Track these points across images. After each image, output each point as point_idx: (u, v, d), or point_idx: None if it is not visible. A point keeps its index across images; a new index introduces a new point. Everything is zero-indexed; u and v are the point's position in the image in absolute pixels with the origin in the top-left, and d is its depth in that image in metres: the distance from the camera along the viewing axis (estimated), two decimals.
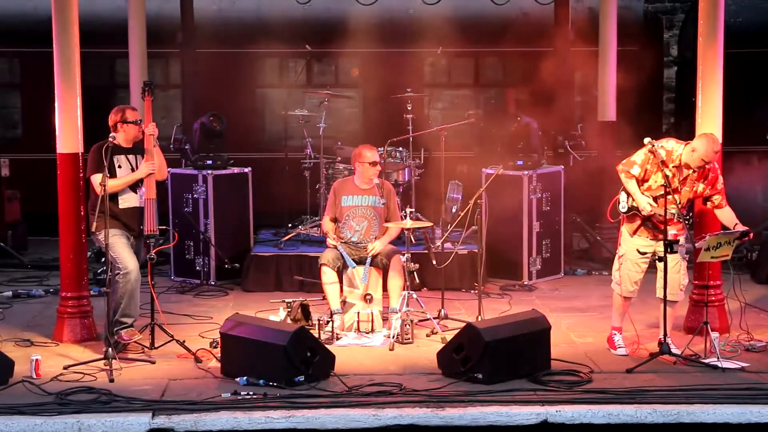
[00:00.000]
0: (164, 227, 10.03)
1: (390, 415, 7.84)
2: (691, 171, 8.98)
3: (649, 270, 9.28)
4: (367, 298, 9.97)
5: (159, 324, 9.42)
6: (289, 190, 12.95)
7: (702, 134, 9.11)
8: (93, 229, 9.30)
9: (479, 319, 9.86)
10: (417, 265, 9.99)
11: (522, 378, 8.50)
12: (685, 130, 13.34)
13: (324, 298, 10.15)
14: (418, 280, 10.18)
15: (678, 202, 8.92)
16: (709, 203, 9.17)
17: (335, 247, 10.12)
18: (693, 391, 8.22)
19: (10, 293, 11.58)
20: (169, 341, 9.33)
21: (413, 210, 10.30)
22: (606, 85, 13.55)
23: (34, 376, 8.56)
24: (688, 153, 8.93)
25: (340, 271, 10.13)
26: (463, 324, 9.05)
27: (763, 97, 15.07)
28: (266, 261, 11.91)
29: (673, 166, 8.96)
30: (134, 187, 9.45)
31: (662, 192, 8.84)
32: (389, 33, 14.93)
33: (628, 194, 9.08)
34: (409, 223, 9.93)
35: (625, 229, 9.24)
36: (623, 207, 9.15)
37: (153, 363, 9.03)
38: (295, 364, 8.38)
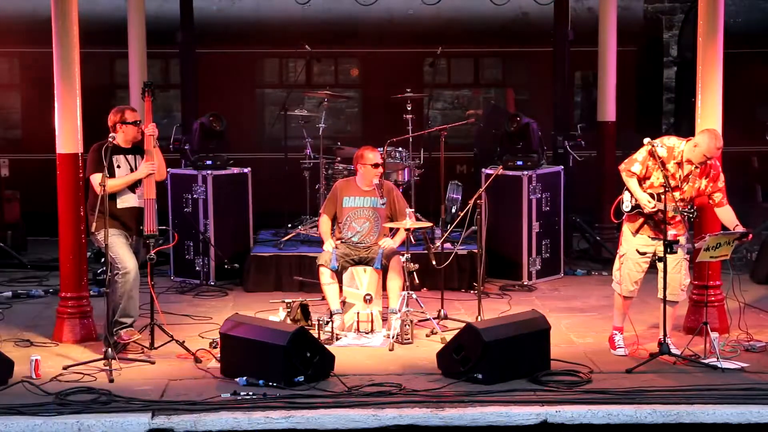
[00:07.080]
0: (164, 227, 10.03)
1: (390, 416, 7.83)
2: (693, 167, 8.97)
3: (650, 270, 9.27)
4: (367, 298, 9.96)
5: (159, 324, 9.41)
6: (289, 190, 12.93)
7: (704, 129, 9.09)
8: (92, 230, 9.31)
9: (479, 319, 9.86)
10: (417, 266, 9.98)
11: (522, 378, 8.49)
12: (685, 130, 13.34)
13: (323, 298, 10.15)
14: (417, 281, 10.17)
15: (682, 198, 8.92)
16: (710, 201, 9.16)
17: (330, 252, 10.09)
18: (693, 391, 8.22)
19: (10, 293, 11.57)
20: (168, 341, 9.32)
21: (413, 210, 10.30)
22: (606, 85, 13.53)
23: (34, 377, 8.56)
24: (690, 148, 8.93)
25: (339, 272, 10.12)
26: (463, 324, 9.06)
27: (763, 97, 15.06)
28: (266, 261, 11.90)
29: (675, 163, 8.95)
30: (132, 187, 9.45)
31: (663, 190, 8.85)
32: (389, 33, 14.92)
33: (631, 194, 9.08)
34: (409, 223, 9.92)
35: (626, 229, 9.22)
36: (626, 206, 9.14)
37: (153, 363, 9.03)
38: (294, 364, 8.37)
